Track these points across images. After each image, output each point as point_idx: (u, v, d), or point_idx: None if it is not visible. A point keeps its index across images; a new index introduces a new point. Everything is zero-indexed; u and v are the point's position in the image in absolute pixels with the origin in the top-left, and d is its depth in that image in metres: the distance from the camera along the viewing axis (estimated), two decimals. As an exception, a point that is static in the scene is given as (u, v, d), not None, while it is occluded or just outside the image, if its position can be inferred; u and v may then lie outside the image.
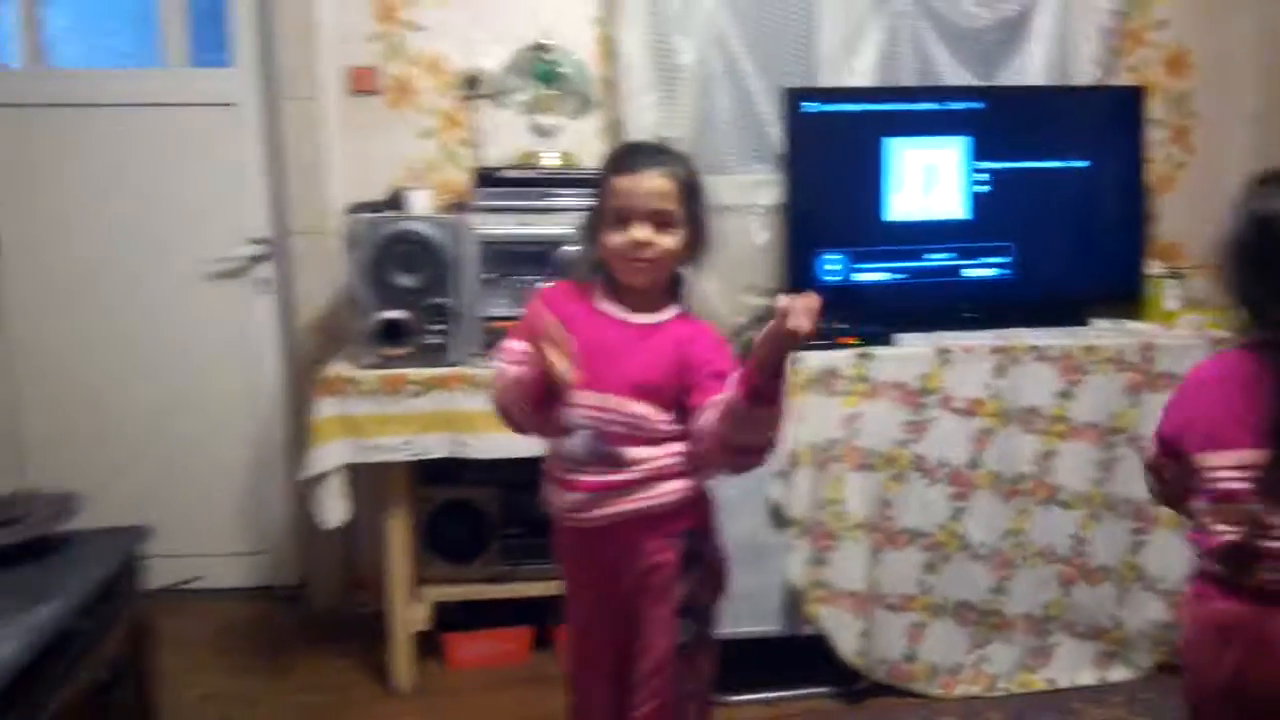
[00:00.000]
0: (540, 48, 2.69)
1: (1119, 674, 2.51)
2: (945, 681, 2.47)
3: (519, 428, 1.63)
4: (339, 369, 2.38)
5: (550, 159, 2.65)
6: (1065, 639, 2.51)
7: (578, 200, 2.50)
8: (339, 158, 2.87)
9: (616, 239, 1.57)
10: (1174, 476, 1.51)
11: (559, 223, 2.43)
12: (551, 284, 1.71)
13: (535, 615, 2.67)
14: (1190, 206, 3.08)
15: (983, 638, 2.48)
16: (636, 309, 1.62)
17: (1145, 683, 2.48)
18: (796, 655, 2.47)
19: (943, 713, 2.40)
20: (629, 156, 1.63)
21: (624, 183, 1.57)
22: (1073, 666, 2.51)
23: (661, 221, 1.57)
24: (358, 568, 2.97)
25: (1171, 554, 2.42)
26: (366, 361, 2.35)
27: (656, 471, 1.58)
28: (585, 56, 2.82)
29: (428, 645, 2.61)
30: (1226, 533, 1.40)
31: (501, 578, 2.60)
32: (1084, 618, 2.50)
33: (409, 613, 2.50)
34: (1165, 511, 2.37)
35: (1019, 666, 2.50)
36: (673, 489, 1.60)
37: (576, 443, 1.59)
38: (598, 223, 1.61)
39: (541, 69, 2.67)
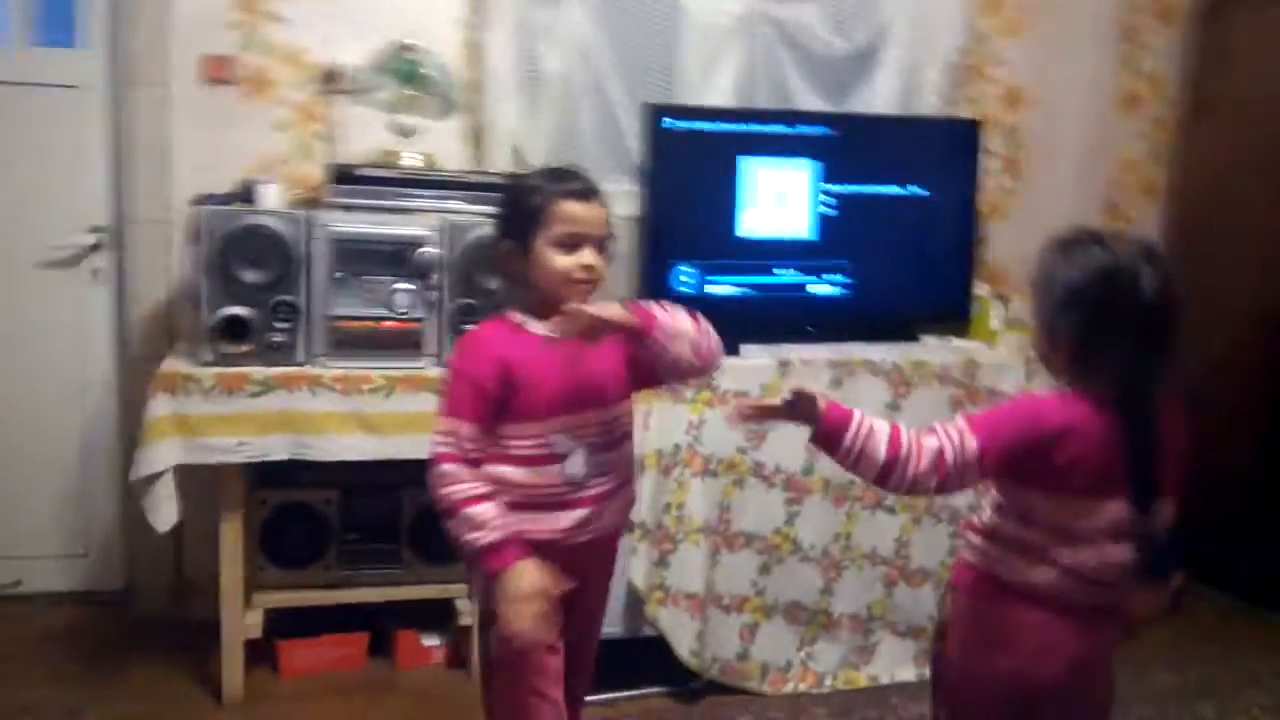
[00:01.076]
0: (404, 47, 2.67)
1: (936, 672, 2.66)
2: (775, 679, 2.57)
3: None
4: (176, 365, 2.32)
5: (411, 159, 2.64)
6: (887, 637, 2.65)
7: (436, 202, 2.52)
8: (188, 147, 2.79)
9: (565, 262, 1.61)
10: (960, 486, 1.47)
11: (416, 223, 2.43)
12: (481, 328, 1.71)
13: (373, 621, 2.66)
14: (1017, 233, 3.28)
15: (811, 636, 2.60)
16: None
17: (961, 681, 2.62)
18: (637, 656, 2.53)
19: (771, 709, 2.50)
20: (572, 181, 1.66)
21: (575, 209, 1.62)
22: (893, 664, 2.65)
23: (602, 247, 1.65)
24: (189, 572, 2.87)
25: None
26: (205, 359, 2.30)
27: (625, 478, 1.74)
28: (450, 59, 2.81)
29: (261, 652, 2.55)
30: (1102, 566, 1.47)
31: (339, 583, 2.56)
32: (904, 617, 2.63)
33: (241, 620, 2.44)
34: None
35: (844, 664, 2.62)
36: (631, 499, 1.79)
37: (575, 465, 1.64)
38: (525, 242, 1.62)
39: (404, 68, 2.66)
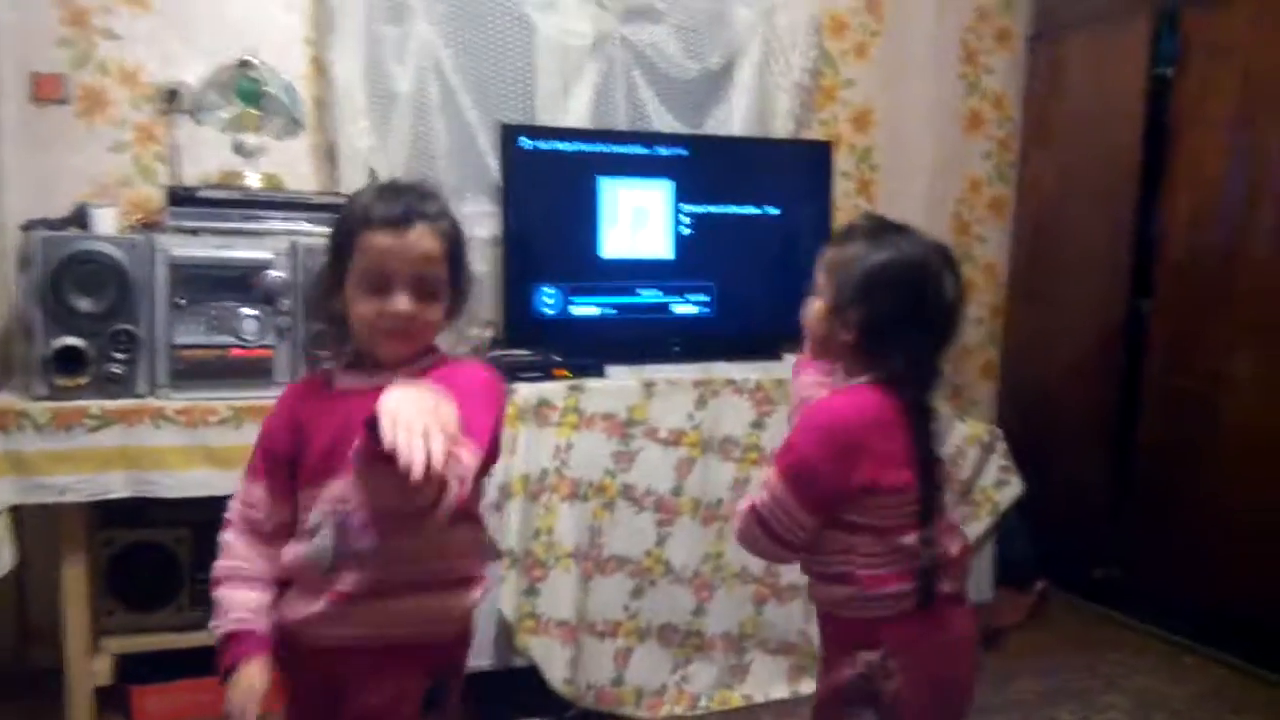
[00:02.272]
0: (245, 65, 2.58)
1: (808, 687, 2.67)
2: (651, 703, 2.54)
3: None
4: (6, 400, 2.17)
5: (255, 180, 2.54)
6: (760, 655, 2.65)
7: (282, 223, 2.42)
8: (16, 170, 2.62)
9: (369, 309, 1.33)
10: (811, 528, 1.45)
11: (260, 246, 2.33)
12: (291, 384, 1.53)
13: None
14: (873, 252, 3.37)
15: (685, 658, 2.58)
16: (381, 370, 1.38)
17: (831, 693, 2.64)
18: (508, 688, 2.47)
19: (647, 734, 2.48)
20: (388, 204, 1.34)
21: (381, 241, 1.32)
22: (767, 681, 2.65)
23: (426, 290, 1.34)
24: (34, 619, 2.68)
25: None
26: (38, 393, 2.15)
27: (421, 578, 1.36)
28: (294, 77, 2.73)
29: (115, 700, 2.39)
30: (906, 560, 1.46)
31: (194, 625, 2.40)
32: (776, 635, 2.64)
33: (88, 666, 2.28)
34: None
35: (718, 684, 2.61)
36: (435, 606, 1.38)
37: (315, 548, 1.34)
38: (336, 281, 1.37)
39: (246, 87, 2.56)
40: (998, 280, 3.72)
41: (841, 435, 1.44)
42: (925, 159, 3.55)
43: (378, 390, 1.23)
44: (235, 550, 1.41)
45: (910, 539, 1.46)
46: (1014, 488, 2.92)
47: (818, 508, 1.44)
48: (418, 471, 1.04)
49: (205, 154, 2.66)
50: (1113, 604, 3.30)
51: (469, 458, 1.22)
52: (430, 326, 1.38)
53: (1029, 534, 3.17)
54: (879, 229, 1.52)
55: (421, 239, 1.33)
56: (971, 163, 3.64)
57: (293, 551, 1.39)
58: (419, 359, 1.41)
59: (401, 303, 1.32)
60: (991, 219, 3.69)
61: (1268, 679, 2.81)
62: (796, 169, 3.12)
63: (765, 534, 1.46)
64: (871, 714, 1.48)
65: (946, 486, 1.51)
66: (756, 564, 2.61)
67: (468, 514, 1.39)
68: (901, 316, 1.45)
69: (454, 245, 1.38)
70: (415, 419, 1.07)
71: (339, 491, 1.33)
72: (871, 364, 1.48)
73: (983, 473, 2.89)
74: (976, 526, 2.87)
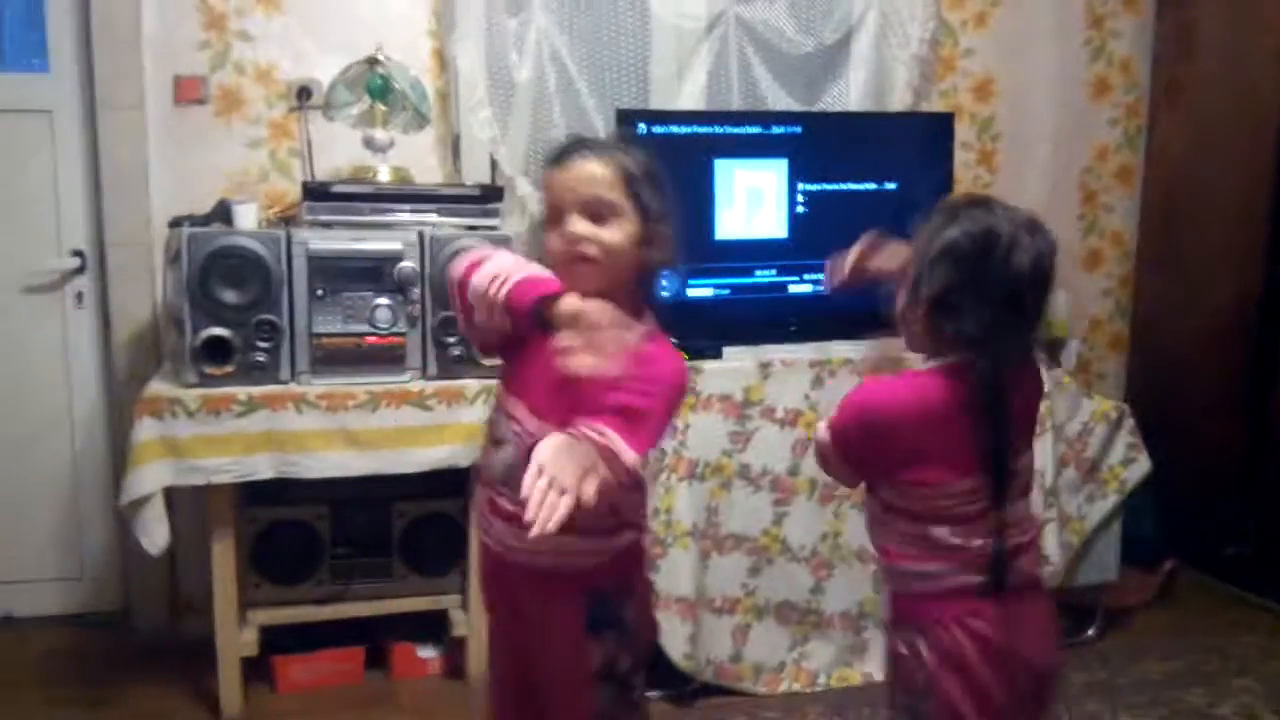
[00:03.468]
0: (374, 61, 2.68)
1: (928, 665, 2.68)
2: (769, 679, 2.59)
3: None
4: (160, 388, 2.33)
5: (386, 173, 2.65)
6: (879, 634, 2.64)
7: (411, 215, 2.53)
8: (162, 168, 2.80)
9: (552, 241, 1.41)
10: (854, 473, 1.56)
11: (394, 238, 2.43)
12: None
13: (368, 635, 2.67)
14: (994, 225, 3.30)
15: (803, 636, 2.61)
16: None
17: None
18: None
19: (767, 709, 2.52)
20: (563, 149, 1.45)
21: (554, 176, 1.42)
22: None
23: (598, 213, 1.39)
24: (184, 591, 2.89)
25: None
26: (189, 380, 2.30)
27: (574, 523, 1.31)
28: (420, 71, 2.82)
29: (259, 669, 2.55)
30: (976, 544, 1.45)
31: (332, 598, 2.56)
32: (895, 614, 2.65)
33: (236, 637, 2.44)
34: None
35: (837, 662, 2.64)
36: (576, 545, 1.38)
37: (498, 459, 1.44)
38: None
39: (375, 82, 2.66)
40: (1126, 249, 3.61)
41: (873, 423, 1.50)
42: (1048, 128, 3.46)
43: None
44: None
45: (942, 531, 1.45)
46: (1141, 465, 2.85)
47: (855, 466, 1.55)
48: (534, 530, 1.17)
49: (337, 149, 2.78)
50: (1246, 584, 3.19)
51: (630, 457, 1.28)
52: (613, 253, 1.39)
53: (1157, 512, 3.09)
54: (956, 205, 1.49)
55: (587, 165, 1.40)
56: (1098, 130, 3.53)
57: (484, 454, 1.49)
58: (635, 316, 1.42)
59: (574, 224, 1.38)
60: (1119, 187, 3.57)
61: None
62: (915, 142, 3.06)
63: (824, 466, 1.62)
64: (914, 701, 1.48)
65: (1020, 475, 1.49)
66: (875, 543, 2.62)
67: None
68: (962, 287, 1.42)
69: (629, 173, 1.41)
70: (557, 475, 1.18)
71: (524, 417, 1.42)
72: (943, 344, 1.46)
73: (1110, 450, 2.83)
74: (1103, 505, 2.83)
